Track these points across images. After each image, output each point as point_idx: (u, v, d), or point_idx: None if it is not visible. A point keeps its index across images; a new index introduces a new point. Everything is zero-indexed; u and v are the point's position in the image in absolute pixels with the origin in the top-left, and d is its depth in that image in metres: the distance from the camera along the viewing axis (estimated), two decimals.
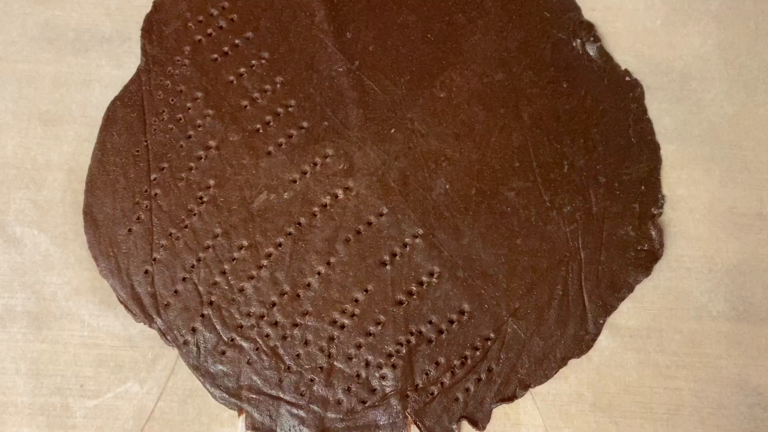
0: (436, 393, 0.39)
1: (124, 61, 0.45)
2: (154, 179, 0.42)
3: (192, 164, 0.42)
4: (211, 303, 0.40)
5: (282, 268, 0.41)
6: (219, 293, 0.40)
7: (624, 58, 0.44)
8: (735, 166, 0.43)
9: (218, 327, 0.40)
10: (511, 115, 0.43)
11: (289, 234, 0.41)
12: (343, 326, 0.40)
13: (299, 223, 0.41)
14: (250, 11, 0.45)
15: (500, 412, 0.40)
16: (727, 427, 0.40)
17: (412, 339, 0.40)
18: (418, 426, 0.39)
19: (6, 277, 0.41)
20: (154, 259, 0.41)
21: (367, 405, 0.39)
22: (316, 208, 0.42)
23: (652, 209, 0.42)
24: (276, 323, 0.40)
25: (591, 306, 0.40)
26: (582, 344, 0.40)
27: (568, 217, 0.41)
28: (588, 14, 0.45)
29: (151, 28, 0.45)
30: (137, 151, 0.43)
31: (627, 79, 0.44)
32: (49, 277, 0.41)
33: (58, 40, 0.45)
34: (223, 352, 0.40)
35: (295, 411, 0.39)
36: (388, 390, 0.39)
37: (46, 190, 0.42)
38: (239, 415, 0.39)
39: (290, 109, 0.43)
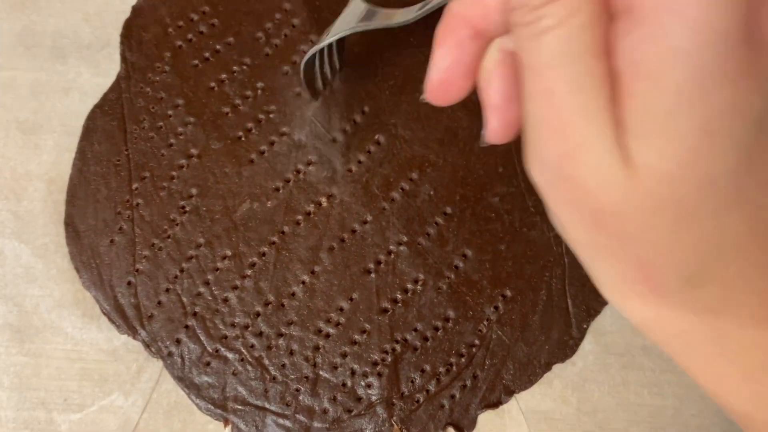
0: (421, 400, 0.39)
1: (103, 68, 0.44)
2: (136, 189, 0.42)
3: (174, 173, 0.42)
4: (195, 314, 0.40)
5: (266, 278, 0.40)
6: (203, 304, 0.40)
7: None
8: None
9: (202, 338, 0.40)
10: None
11: (273, 243, 0.41)
12: (328, 335, 0.40)
13: (283, 232, 0.41)
14: (231, 16, 0.44)
15: (486, 417, 0.40)
16: (708, 427, 0.40)
17: (398, 347, 0.40)
18: None
19: None
20: (137, 270, 0.41)
21: (353, 414, 0.39)
22: (299, 217, 0.41)
23: None
24: (261, 333, 0.40)
25: (575, 311, 0.41)
26: (566, 349, 0.40)
27: (551, 223, 0.41)
28: None
29: (130, 34, 0.44)
30: (118, 161, 0.42)
31: None
32: (31, 289, 0.41)
33: (36, 46, 0.44)
34: (208, 363, 0.40)
35: (281, 421, 0.39)
36: (373, 398, 0.39)
37: (26, 200, 0.42)
38: (225, 426, 0.39)
39: (272, 115, 0.43)
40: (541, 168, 0.20)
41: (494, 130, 0.24)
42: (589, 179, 0.19)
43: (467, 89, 0.25)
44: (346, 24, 0.38)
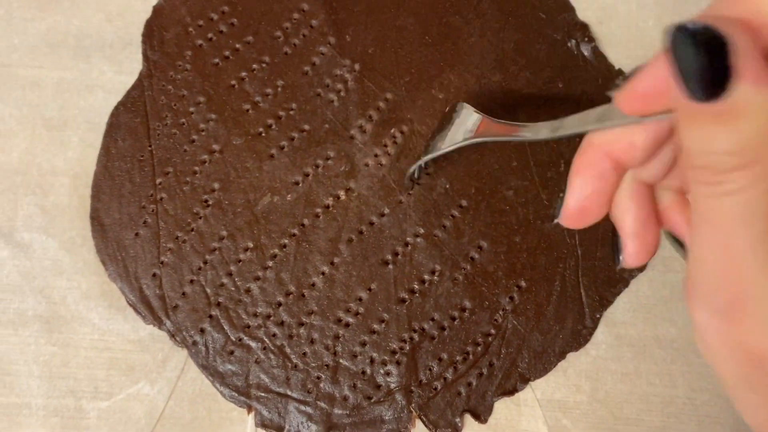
0: (439, 388, 0.40)
1: (126, 67, 0.45)
2: (160, 183, 0.43)
3: (196, 168, 0.43)
4: (218, 304, 0.41)
5: (287, 269, 0.42)
6: (226, 294, 0.41)
7: (618, 58, 0.45)
8: None
9: (226, 327, 0.41)
10: (509, 116, 0.44)
11: (293, 235, 0.42)
12: (347, 325, 0.41)
13: (303, 225, 0.42)
14: (250, 15, 0.46)
15: (501, 405, 0.41)
16: (719, 416, 0.41)
17: (415, 336, 0.41)
18: (422, 420, 0.40)
19: (16, 282, 0.42)
20: (162, 263, 0.42)
21: (372, 401, 0.40)
22: (318, 210, 0.43)
23: None
24: (282, 323, 0.41)
25: (588, 301, 0.42)
26: (580, 338, 0.41)
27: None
28: (582, 15, 0.46)
29: (151, 34, 0.45)
30: (142, 156, 0.43)
31: (621, 78, 0.45)
32: (59, 281, 0.42)
33: (60, 46, 0.45)
34: (232, 352, 0.41)
35: (302, 408, 0.40)
36: (392, 386, 0.40)
37: (52, 195, 0.43)
38: (248, 412, 0.40)
39: (291, 112, 0.44)
40: (705, 307, 0.22)
41: (632, 255, 0.26)
42: (756, 328, 0.20)
43: (602, 215, 0.27)
44: (459, 135, 0.36)
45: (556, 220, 0.27)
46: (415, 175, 0.42)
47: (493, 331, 0.41)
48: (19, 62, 0.45)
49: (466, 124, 0.36)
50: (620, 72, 0.45)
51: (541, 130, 0.30)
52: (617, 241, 0.27)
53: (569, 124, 0.28)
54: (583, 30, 0.45)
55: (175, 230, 0.42)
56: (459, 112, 0.37)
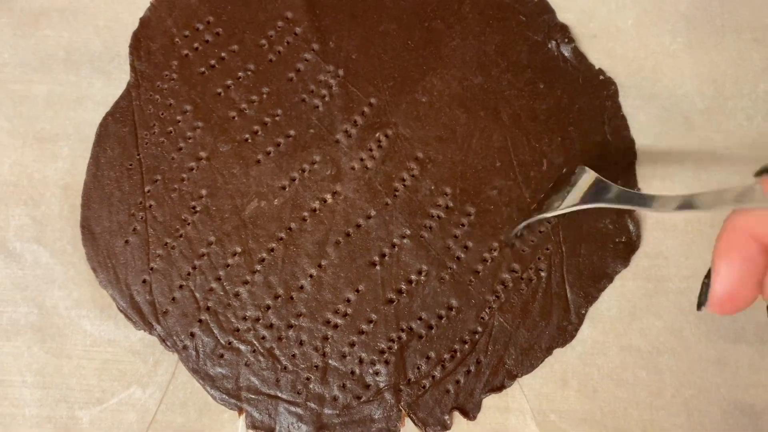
0: (427, 386, 0.41)
1: (114, 78, 0.46)
2: (148, 191, 0.43)
3: (184, 175, 0.44)
4: (207, 308, 0.42)
5: (275, 273, 0.42)
6: (215, 299, 0.42)
7: (598, 58, 0.46)
8: (707, 158, 0.45)
9: (215, 331, 0.41)
10: (491, 117, 0.44)
11: (281, 239, 0.43)
12: (336, 326, 0.41)
13: (290, 228, 0.43)
14: (235, 25, 0.46)
15: (490, 401, 0.41)
16: (708, 409, 0.41)
17: (403, 335, 0.41)
18: (411, 418, 0.41)
19: (8, 291, 0.42)
20: (152, 269, 0.42)
21: (362, 400, 0.41)
22: (305, 213, 0.43)
23: None
24: (271, 325, 0.41)
25: (573, 297, 0.42)
26: (566, 334, 0.42)
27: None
28: (562, 16, 0.47)
29: (138, 45, 0.46)
30: (130, 165, 0.44)
31: (601, 77, 0.45)
32: (51, 290, 0.42)
33: (50, 59, 0.46)
34: (221, 355, 0.41)
35: (293, 409, 0.40)
36: (381, 385, 0.41)
37: (43, 205, 0.44)
38: (239, 415, 0.41)
39: (277, 118, 0.45)
40: None
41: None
42: None
43: (753, 299, 0.26)
44: (576, 197, 0.38)
45: (703, 308, 0.27)
46: (519, 234, 0.43)
47: (479, 329, 0.41)
48: (10, 76, 0.46)
49: (583, 187, 0.37)
50: (600, 71, 0.46)
51: (668, 203, 0.30)
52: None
53: (703, 201, 0.27)
54: (563, 31, 0.46)
55: (164, 237, 0.43)
56: (579, 175, 0.38)
